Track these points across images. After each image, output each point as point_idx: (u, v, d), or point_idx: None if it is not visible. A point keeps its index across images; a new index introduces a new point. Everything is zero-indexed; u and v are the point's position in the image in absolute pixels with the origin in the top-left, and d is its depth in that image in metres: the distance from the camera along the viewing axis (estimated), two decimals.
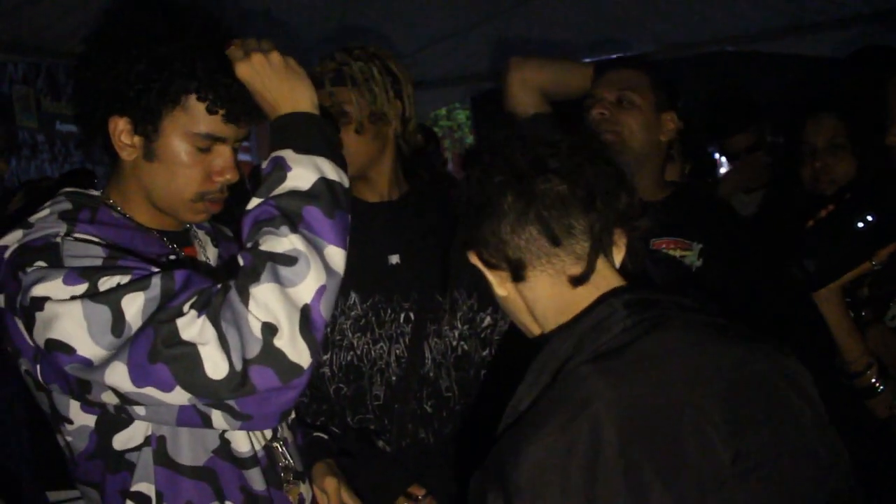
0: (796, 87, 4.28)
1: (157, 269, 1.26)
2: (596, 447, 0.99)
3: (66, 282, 1.20)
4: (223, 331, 1.15)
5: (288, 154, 1.29)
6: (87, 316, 1.18)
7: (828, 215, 1.66)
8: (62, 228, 1.29)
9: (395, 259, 1.99)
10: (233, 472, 1.39)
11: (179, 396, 1.17)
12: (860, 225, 1.60)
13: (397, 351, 1.96)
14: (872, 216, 1.59)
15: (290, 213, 1.23)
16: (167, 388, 1.16)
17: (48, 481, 2.50)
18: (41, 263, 1.23)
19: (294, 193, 1.26)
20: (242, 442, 1.41)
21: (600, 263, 1.17)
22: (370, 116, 1.91)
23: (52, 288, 1.20)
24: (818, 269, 1.66)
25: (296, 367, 1.18)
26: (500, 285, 1.23)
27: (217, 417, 1.21)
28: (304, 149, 1.30)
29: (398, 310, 1.97)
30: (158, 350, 1.15)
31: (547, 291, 1.19)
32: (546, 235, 1.14)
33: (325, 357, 1.96)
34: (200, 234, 1.57)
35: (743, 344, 1.14)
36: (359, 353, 1.96)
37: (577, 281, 1.16)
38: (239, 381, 1.15)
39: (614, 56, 4.36)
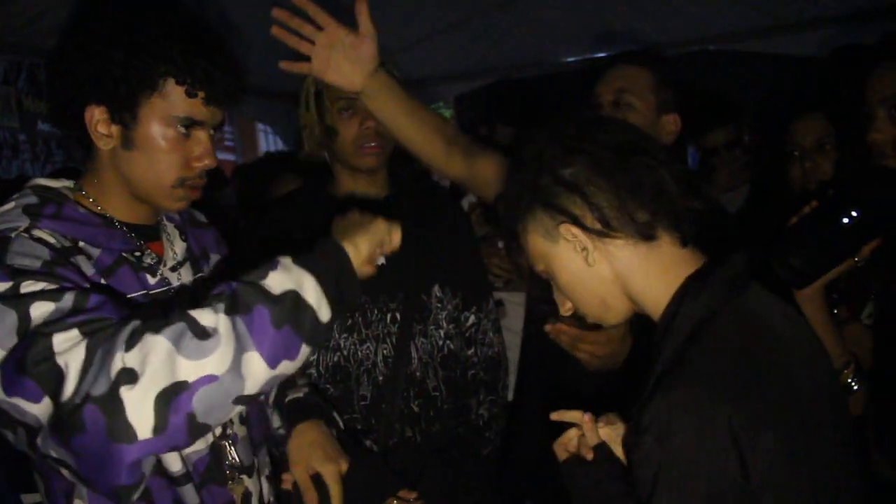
0: (776, 86, 4.31)
1: (87, 286, 1.24)
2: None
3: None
4: (91, 359, 1.08)
5: (285, 260, 1.23)
6: None
7: (812, 211, 1.64)
8: (24, 223, 1.29)
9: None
10: (167, 490, 1.37)
11: (46, 409, 1.09)
12: (845, 221, 1.58)
13: (384, 351, 1.97)
14: (857, 211, 1.57)
15: (240, 301, 1.14)
16: (35, 400, 1.09)
17: (22, 484, 2.48)
18: None
19: (259, 289, 1.16)
20: (173, 461, 1.37)
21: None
22: None
23: None
24: (804, 265, 1.63)
25: (128, 429, 1.05)
26: (584, 259, 1.24)
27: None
28: (303, 263, 1.23)
29: (384, 310, 1.98)
30: (26, 364, 1.09)
31: (642, 256, 1.23)
32: (658, 198, 1.21)
33: (311, 358, 1.97)
34: (170, 227, 1.56)
35: None
36: (345, 353, 1.96)
37: (683, 242, 1.23)
38: (71, 409, 1.06)
39: (601, 55, 4.39)
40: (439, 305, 2.02)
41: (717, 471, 1.04)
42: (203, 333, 1.10)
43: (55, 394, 1.08)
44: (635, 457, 1.12)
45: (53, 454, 1.11)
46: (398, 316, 1.98)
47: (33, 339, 1.11)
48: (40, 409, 1.09)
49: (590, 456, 1.33)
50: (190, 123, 1.38)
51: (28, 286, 1.17)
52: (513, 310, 2.96)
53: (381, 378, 1.96)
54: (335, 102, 1.96)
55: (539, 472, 2.16)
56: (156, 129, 1.36)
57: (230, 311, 1.13)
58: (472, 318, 2.06)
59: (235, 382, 1.11)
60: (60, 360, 1.09)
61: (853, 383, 1.76)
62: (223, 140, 10.66)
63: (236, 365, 1.11)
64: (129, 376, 1.06)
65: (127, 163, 1.39)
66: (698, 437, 1.05)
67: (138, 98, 1.34)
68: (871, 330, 1.92)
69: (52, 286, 1.18)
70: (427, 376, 2.00)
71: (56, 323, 1.12)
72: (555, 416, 1.42)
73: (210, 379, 1.09)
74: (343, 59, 1.68)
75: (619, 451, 1.34)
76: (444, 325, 2.02)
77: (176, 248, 1.54)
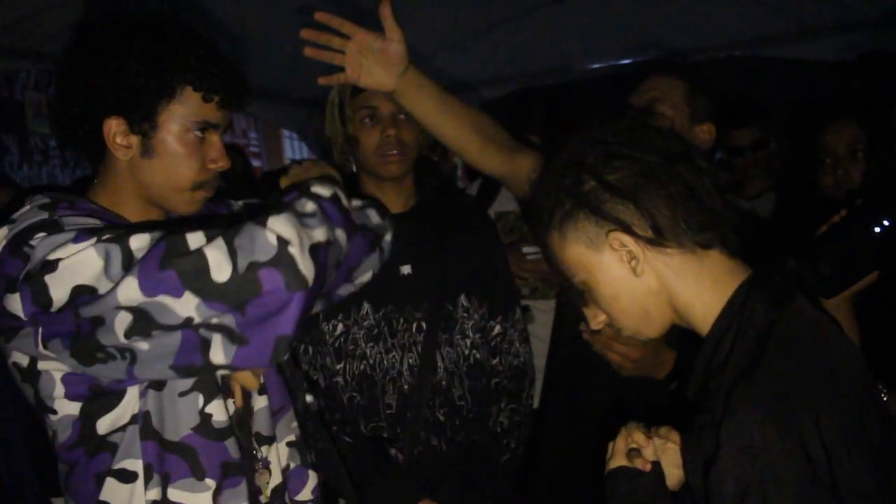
0: (801, 92, 4.28)
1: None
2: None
3: (76, 241, 1.24)
4: (233, 244, 1.24)
5: (314, 180, 1.47)
6: (102, 256, 1.23)
7: (842, 220, 1.61)
8: (45, 215, 1.32)
9: (406, 269, 2.01)
10: (211, 448, 1.42)
11: (188, 303, 1.22)
12: (877, 230, 1.56)
13: (410, 360, 1.98)
14: (889, 220, 1.55)
15: (313, 196, 1.40)
16: (177, 294, 1.22)
17: (53, 487, 2.52)
18: (42, 234, 1.27)
19: (314, 194, 1.42)
20: (220, 412, 1.43)
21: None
22: None
23: (64, 249, 1.24)
24: (834, 274, 1.59)
25: (302, 278, 1.26)
26: (632, 269, 1.20)
27: (216, 344, 1.25)
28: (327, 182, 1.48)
29: (410, 319, 1.99)
30: (168, 258, 1.22)
31: (693, 266, 1.19)
32: (707, 206, 1.18)
33: (338, 366, 1.98)
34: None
35: None
36: (371, 362, 1.97)
37: (732, 251, 1.22)
38: (244, 279, 1.23)
39: (626, 62, 4.38)
40: (465, 315, 2.03)
41: (808, 484, 1.01)
42: (309, 215, 1.34)
43: (197, 282, 1.22)
44: (712, 474, 1.07)
45: (215, 321, 1.25)
46: (423, 325, 1.99)
47: (167, 239, 1.25)
48: (185, 307, 1.22)
49: (647, 468, 1.28)
50: (205, 127, 1.43)
51: (109, 234, 1.26)
52: (538, 317, 2.96)
53: (406, 387, 1.97)
54: (357, 112, 1.98)
55: (563, 480, 2.16)
56: (175, 135, 1.41)
57: (316, 202, 1.38)
58: (497, 328, 2.06)
59: (338, 245, 1.40)
60: (202, 250, 1.23)
61: (882, 394, 1.74)
62: (249, 146, 10.74)
63: (333, 232, 1.38)
64: (283, 240, 1.25)
65: (146, 171, 1.43)
66: (788, 450, 1.01)
67: (158, 107, 1.38)
68: None
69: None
70: (453, 385, 2.00)
71: (175, 234, 1.26)
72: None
73: (330, 240, 1.35)
74: (374, 63, 1.74)
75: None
76: (471, 334, 2.03)
77: None
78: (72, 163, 6.82)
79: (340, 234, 1.41)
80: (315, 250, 1.30)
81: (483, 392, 2.05)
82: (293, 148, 14.71)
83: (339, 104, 2.00)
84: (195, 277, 1.22)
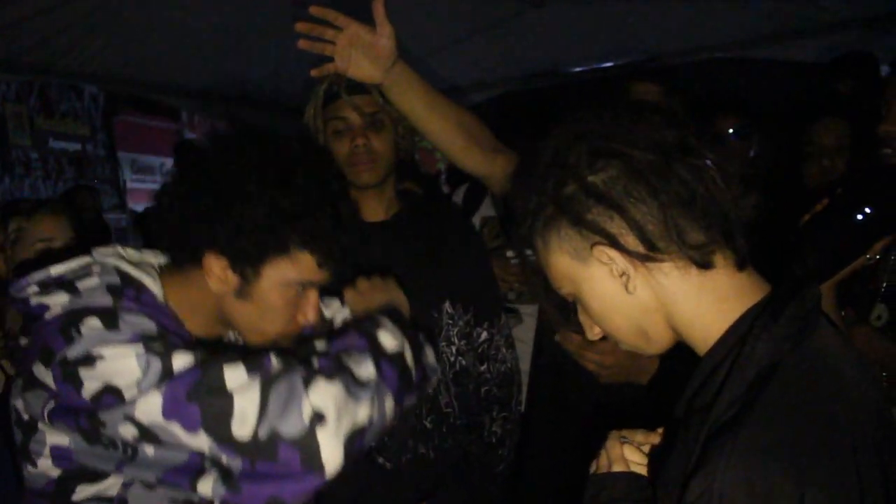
0: (781, 93, 4.31)
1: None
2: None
3: (122, 343, 1.19)
4: (268, 398, 1.17)
5: (384, 320, 1.41)
6: (141, 368, 1.17)
7: (824, 209, 1.61)
8: (109, 301, 1.26)
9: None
10: None
11: (201, 440, 1.17)
12: (859, 217, 1.55)
13: None
14: (871, 208, 1.56)
15: (376, 352, 1.32)
16: (193, 430, 1.16)
17: None
18: (95, 324, 1.21)
19: (379, 349, 1.34)
20: None
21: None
22: (397, 122, 1.96)
23: (108, 348, 1.19)
24: (819, 263, 1.60)
25: (321, 465, 1.17)
26: (623, 285, 1.05)
27: (209, 478, 1.19)
28: (400, 329, 1.42)
29: None
30: (198, 390, 1.16)
31: (693, 282, 1.03)
32: (711, 210, 1.00)
33: None
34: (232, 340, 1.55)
35: None
36: None
37: (741, 264, 1.03)
38: (263, 444, 1.16)
39: (607, 65, 4.39)
40: (450, 322, 2.01)
41: None
42: (362, 385, 1.25)
43: (216, 426, 1.16)
44: None
45: (223, 460, 1.18)
46: None
47: (205, 369, 1.18)
48: (196, 442, 1.16)
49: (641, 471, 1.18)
50: (307, 285, 1.37)
51: (161, 343, 1.21)
52: (526, 320, 2.96)
53: None
54: (328, 123, 1.96)
55: (549, 484, 2.15)
56: (275, 288, 1.34)
57: (375, 362, 1.30)
58: (484, 335, 2.05)
59: (382, 420, 1.28)
60: (233, 395, 1.17)
61: None
62: None
63: (382, 408, 1.27)
64: (320, 419, 1.18)
65: (235, 309, 1.36)
66: None
67: (266, 259, 1.31)
68: (882, 332, 1.90)
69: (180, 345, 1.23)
70: (439, 393, 1.98)
71: (215, 359, 1.20)
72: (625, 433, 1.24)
73: (372, 421, 1.24)
74: (362, 56, 1.77)
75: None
76: (456, 341, 2.01)
77: None
78: (54, 174, 6.78)
79: (389, 407, 1.29)
80: (352, 438, 1.20)
81: (471, 399, 2.04)
82: None
83: (312, 117, 1.99)
84: (216, 422, 1.16)
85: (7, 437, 1.86)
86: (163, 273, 1.40)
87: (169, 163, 8.39)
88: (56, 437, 1.25)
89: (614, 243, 1.01)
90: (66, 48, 3.47)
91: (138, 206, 7.97)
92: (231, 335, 1.51)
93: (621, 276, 1.04)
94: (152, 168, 9.01)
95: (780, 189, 2.84)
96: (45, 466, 1.28)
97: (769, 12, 3.87)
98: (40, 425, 1.27)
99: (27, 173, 6.45)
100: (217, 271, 1.32)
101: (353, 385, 1.23)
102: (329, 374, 1.22)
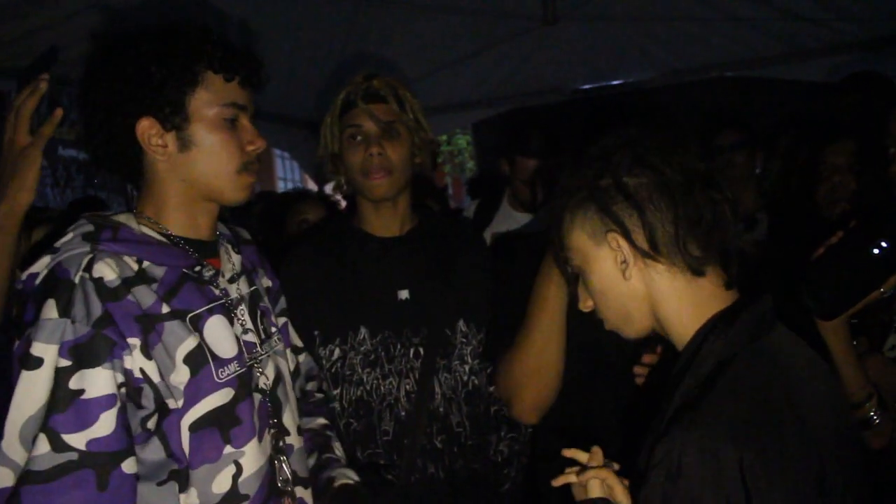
0: (792, 112, 4.31)
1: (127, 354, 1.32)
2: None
3: (61, 352, 1.27)
4: None
5: None
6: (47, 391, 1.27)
7: (839, 242, 1.61)
8: (86, 248, 1.33)
9: (404, 294, 1.98)
10: None
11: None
12: (875, 251, 1.56)
13: (407, 386, 1.95)
14: (887, 242, 1.56)
15: None
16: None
17: None
18: (52, 311, 1.28)
19: None
20: (248, 485, 1.44)
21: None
22: (414, 133, 1.96)
23: (49, 352, 1.27)
24: (834, 297, 1.61)
25: None
26: (622, 271, 1.25)
27: None
28: None
29: (408, 345, 1.95)
30: None
31: (679, 286, 1.24)
32: (714, 235, 1.21)
33: (335, 392, 1.95)
34: (225, 242, 1.60)
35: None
36: (368, 388, 1.94)
37: (728, 285, 1.25)
38: None
39: (616, 83, 4.40)
40: (464, 340, 2.00)
41: None
42: None
43: None
44: (643, 492, 1.12)
45: None
46: (421, 351, 1.96)
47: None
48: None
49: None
50: (234, 109, 1.44)
51: (76, 380, 1.27)
52: None
53: (403, 413, 1.94)
54: (344, 130, 1.95)
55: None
56: (207, 122, 1.42)
57: None
58: None
59: None
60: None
61: (875, 417, 1.71)
62: None
63: None
64: None
65: (188, 166, 1.43)
66: (708, 479, 1.05)
67: (184, 97, 1.40)
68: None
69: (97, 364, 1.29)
70: (451, 412, 1.97)
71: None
72: (567, 452, 1.40)
73: None
74: None
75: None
76: (469, 360, 1.99)
77: (233, 259, 1.59)
78: (62, 182, 6.79)
79: None
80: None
81: (482, 419, 2.02)
82: (284, 167, 14.70)
83: (329, 124, 1.99)
84: None
85: None
86: (137, 202, 1.50)
87: None
88: None
89: (626, 235, 1.22)
90: (78, 58, 3.49)
91: None
92: (221, 238, 1.58)
93: (622, 262, 1.24)
94: None
95: (791, 209, 2.86)
96: None
97: (779, 32, 3.89)
98: None
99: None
100: (155, 139, 1.40)
101: None
102: None
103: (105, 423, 1.27)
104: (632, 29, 4.08)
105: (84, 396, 1.26)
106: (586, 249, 1.29)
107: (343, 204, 3.33)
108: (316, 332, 1.96)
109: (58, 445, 1.24)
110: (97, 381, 1.28)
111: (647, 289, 1.25)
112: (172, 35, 1.41)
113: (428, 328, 1.96)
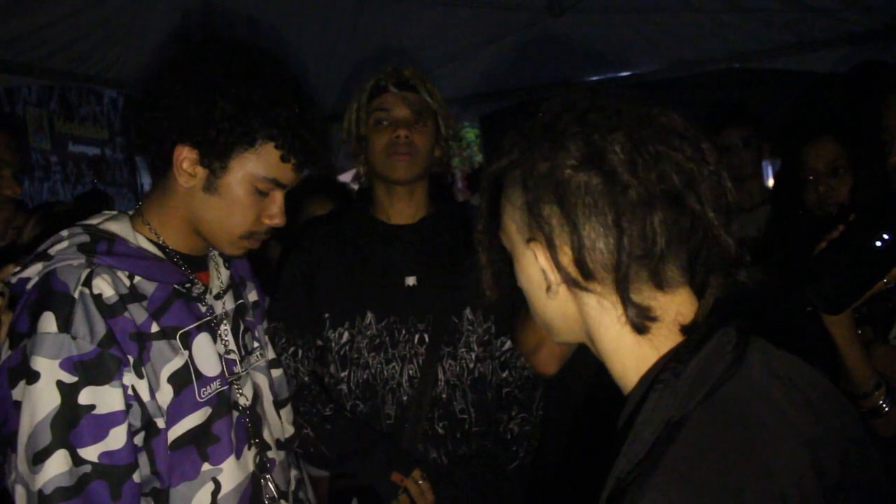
0: (800, 103, 4.29)
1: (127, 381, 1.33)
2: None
3: (63, 366, 1.26)
4: None
5: None
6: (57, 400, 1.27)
7: (841, 236, 1.61)
8: (81, 259, 1.32)
9: (411, 281, 2.00)
10: None
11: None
12: (877, 244, 1.55)
13: (410, 371, 1.97)
14: (889, 234, 1.56)
15: None
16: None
17: None
18: (51, 325, 1.27)
19: None
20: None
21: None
22: (441, 125, 2.00)
23: (48, 366, 1.26)
24: (838, 290, 1.60)
25: None
26: (546, 287, 0.95)
27: None
28: None
29: (413, 331, 1.98)
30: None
31: (618, 322, 0.93)
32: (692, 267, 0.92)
33: (343, 374, 1.99)
34: (216, 255, 1.60)
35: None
36: (373, 371, 1.97)
37: (686, 330, 0.93)
38: None
39: (623, 74, 4.39)
40: (470, 328, 2.01)
41: None
42: None
43: None
44: None
45: None
46: (426, 337, 1.98)
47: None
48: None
49: None
50: (273, 184, 1.42)
51: (85, 395, 1.28)
52: None
53: (405, 398, 1.96)
54: (371, 115, 1.98)
55: (563, 488, 2.14)
56: (242, 182, 1.40)
57: None
58: (508, 344, 2.04)
59: None
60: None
61: (884, 405, 1.72)
62: None
63: None
64: None
65: (203, 205, 1.42)
66: None
67: (234, 151, 1.37)
68: None
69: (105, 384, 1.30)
70: (454, 398, 1.98)
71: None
72: None
73: None
74: None
75: None
76: (475, 347, 2.01)
77: (221, 276, 1.59)
78: (73, 178, 6.84)
79: None
80: None
81: (490, 403, 2.03)
82: None
83: (356, 109, 2.01)
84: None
85: None
86: (144, 200, 1.50)
87: None
88: None
89: (551, 250, 0.91)
90: (87, 53, 3.51)
91: None
92: (212, 252, 1.57)
93: (545, 279, 0.94)
94: None
95: (786, 209, 2.83)
96: None
97: (786, 23, 3.86)
98: None
99: (47, 176, 6.51)
100: (186, 165, 1.38)
101: None
102: None
103: (116, 438, 1.29)
104: (638, 20, 4.06)
105: (95, 412, 1.27)
106: (514, 241, 0.99)
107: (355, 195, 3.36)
108: (326, 315, 2.00)
109: (76, 460, 1.26)
110: (107, 399, 1.29)
111: (579, 312, 0.95)
112: (257, 82, 1.36)
113: (433, 315, 1.99)
